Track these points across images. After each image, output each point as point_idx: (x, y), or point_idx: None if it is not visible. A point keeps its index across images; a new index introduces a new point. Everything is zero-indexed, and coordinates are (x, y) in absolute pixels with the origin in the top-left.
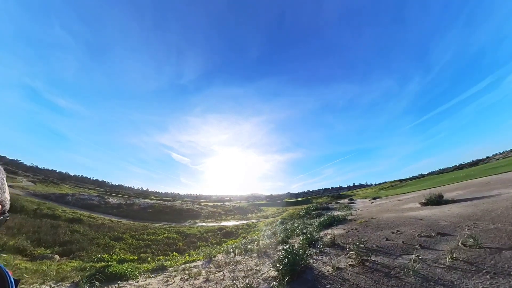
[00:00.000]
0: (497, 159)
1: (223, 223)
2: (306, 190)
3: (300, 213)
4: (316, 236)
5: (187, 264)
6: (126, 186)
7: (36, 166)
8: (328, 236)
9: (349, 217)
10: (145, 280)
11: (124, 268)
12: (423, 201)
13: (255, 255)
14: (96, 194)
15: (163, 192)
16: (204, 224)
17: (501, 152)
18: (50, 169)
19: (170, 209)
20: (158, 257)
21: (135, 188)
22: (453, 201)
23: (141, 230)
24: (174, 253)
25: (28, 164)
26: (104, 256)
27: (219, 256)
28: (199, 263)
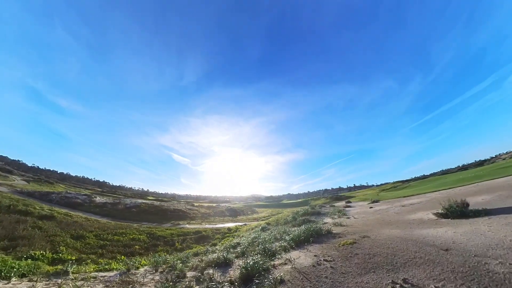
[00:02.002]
0: (504, 159)
1: (206, 226)
2: (306, 191)
3: (288, 218)
4: (265, 265)
5: (97, 273)
6: (126, 187)
7: (38, 166)
8: (285, 268)
9: (335, 230)
10: (19, 283)
11: (17, 266)
12: (440, 210)
13: (169, 277)
14: (83, 193)
15: (163, 192)
16: (187, 225)
17: (505, 152)
18: (51, 169)
19: (156, 209)
20: (100, 259)
21: (136, 188)
22: (486, 212)
23: (112, 229)
24: (123, 257)
25: (29, 165)
26: (36, 252)
27: (142, 270)
28: (111, 274)
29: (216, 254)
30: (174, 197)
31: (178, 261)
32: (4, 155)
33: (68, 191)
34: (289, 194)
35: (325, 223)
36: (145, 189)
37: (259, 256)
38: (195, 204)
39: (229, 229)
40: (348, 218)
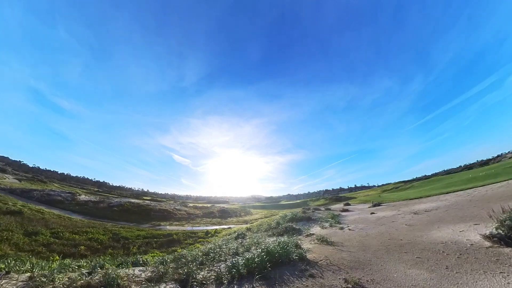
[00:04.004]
0: (510, 158)
1: (188, 228)
2: (306, 192)
3: (272, 223)
4: None
5: None
6: (126, 187)
7: (38, 167)
8: None
9: (314, 253)
10: None
11: None
12: (494, 229)
13: None
14: (67, 191)
15: (163, 193)
16: (167, 227)
17: (507, 151)
18: (52, 170)
19: (139, 209)
20: (27, 258)
21: (135, 189)
22: None
23: (78, 227)
24: (56, 257)
25: (30, 165)
26: None
27: (26, 275)
28: None
29: (104, 272)
30: (173, 198)
31: (79, 270)
32: (5, 156)
33: (52, 189)
34: (289, 194)
35: (309, 234)
36: (145, 190)
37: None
38: (190, 204)
39: (207, 232)
40: (342, 228)
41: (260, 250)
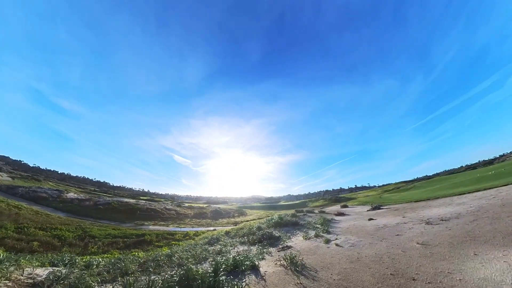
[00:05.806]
0: None
1: (171, 228)
2: (307, 192)
3: (253, 227)
4: None
5: None
6: (127, 187)
7: (39, 167)
8: None
9: None
10: None
11: None
12: None
13: None
14: (55, 189)
15: (163, 193)
16: (150, 227)
17: (509, 151)
18: (52, 170)
19: (125, 208)
20: None
21: (136, 189)
22: None
23: (51, 223)
24: (2, 251)
25: (31, 165)
26: None
27: None
28: None
29: None
30: (173, 198)
31: None
32: (6, 156)
33: (40, 186)
34: (289, 195)
35: (285, 247)
36: (146, 190)
37: None
38: (186, 204)
39: (186, 234)
40: (328, 241)
41: (181, 269)
